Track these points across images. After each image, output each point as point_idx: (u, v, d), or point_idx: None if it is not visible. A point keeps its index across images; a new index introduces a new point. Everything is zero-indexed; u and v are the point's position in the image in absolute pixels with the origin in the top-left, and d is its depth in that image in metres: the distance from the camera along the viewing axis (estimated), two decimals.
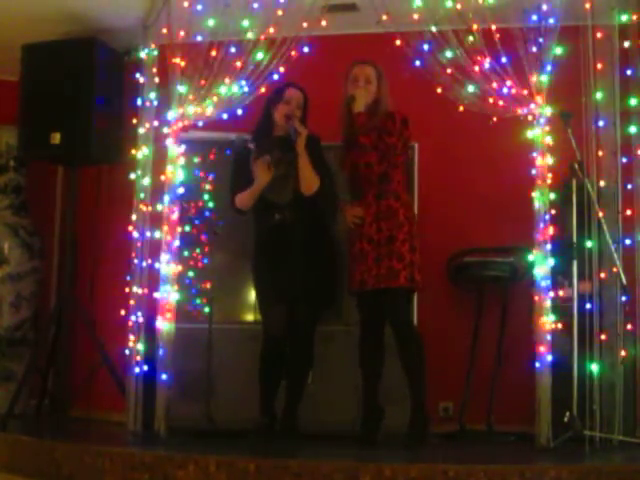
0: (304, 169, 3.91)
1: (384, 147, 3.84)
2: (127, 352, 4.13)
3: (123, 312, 4.20)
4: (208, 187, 4.43)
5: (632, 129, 3.94)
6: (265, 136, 4.05)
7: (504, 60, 3.79)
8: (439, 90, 3.88)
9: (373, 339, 3.88)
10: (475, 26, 3.82)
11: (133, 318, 4.13)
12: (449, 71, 3.86)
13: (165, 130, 4.16)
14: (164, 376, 3.98)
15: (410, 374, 3.79)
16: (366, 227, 3.84)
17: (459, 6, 3.86)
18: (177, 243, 4.11)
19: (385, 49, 3.95)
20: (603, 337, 3.72)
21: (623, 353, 3.74)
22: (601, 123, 3.90)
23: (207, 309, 4.26)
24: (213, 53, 4.07)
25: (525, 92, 3.78)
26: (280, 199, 3.96)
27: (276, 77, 4.06)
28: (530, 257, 3.75)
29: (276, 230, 3.95)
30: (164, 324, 4.02)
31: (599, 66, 3.90)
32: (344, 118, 3.96)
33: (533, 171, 3.75)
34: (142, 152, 4.24)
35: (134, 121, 4.33)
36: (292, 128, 3.90)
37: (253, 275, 4.09)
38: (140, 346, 4.09)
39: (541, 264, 3.68)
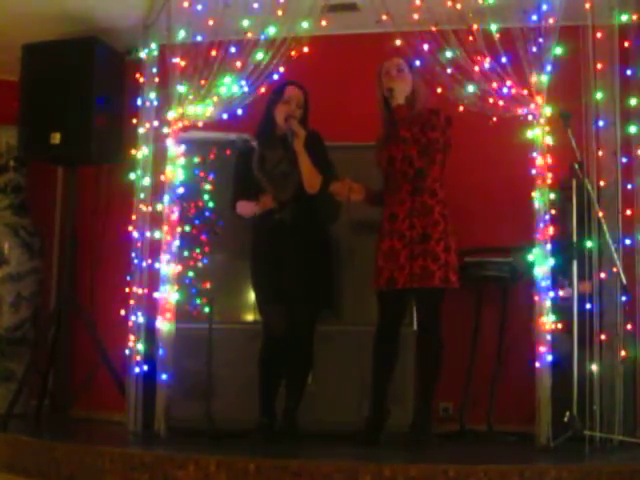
0: (305, 168, 3.91)
1: (426, 141, 3.75)
2: (127, 352, 4.13)
3: (123, 312, 4.20)
4: (208, 187, 4.43)
5: (632, 129, 3.93)
6: (267, 135, 4.04)
7: (504, 60, 3.79)
8: (439, 90, 3.88)
9: (390, 339, 3.83)
10: (475, 26, 3.82)
11: (133, 318, 4.13)
12: (449, 71, 3.86)
13: (165, 130, 4.16)
14: (164, 376, 3.98)
15: (425, 376, 3.79)
16: (398, 223, 3.77)
17: (459, 6, 3.86)
18: (177, 243, 4.11)
19: (385, 49, 3.95)
20: (603, 337, 3.72)
21: (623, 353, 3.74)
22: (601, 123, 3.89)
23: (207, 309, 4.26)
24: (213, 53, 4.07)
25: (525, 92, 3.78)
26: (281, 196, 3.96)
27: (276, 77, 4.06)
28: (530, 257, 3.75)
29: (275, 230, 3.95)
30: (164, 324, 4.02)
31: (599, 66, 3.90)
32: (382, 113, 3.91)
33: (533, 171, 3.75)
34: (142, 152, 4.24)
35: (134, 121, 4.32)
36: (289, 129, 3.90)
37: (251, 274, 4.09)
38: (140, 346, 4.09)
39: (541, 264, 3.68)
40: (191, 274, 4.35)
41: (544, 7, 3.77)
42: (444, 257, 3.71)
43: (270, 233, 3.97)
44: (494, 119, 3.89)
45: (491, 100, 3.84)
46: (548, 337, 3.63)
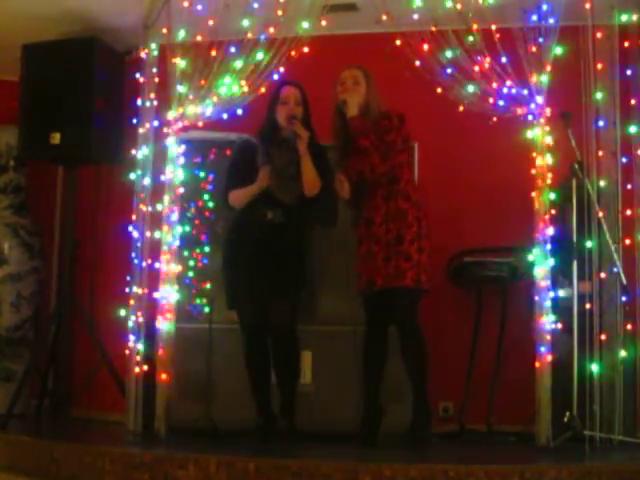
0: (307, 171, 3.90)
1: (384, 146, 3.81)
2: (127, 352, 4.13)
3: (123, 312, 4.20)
4: (208, 187, 4.43)
5: (632, 129, 3.94)
6: (271, 135, 4.02)
7: (504, 60, 3.80)
8: (439, 90, 3.88)
9: (378, 340, 3.86)
10: (475, 26, 3.83)
11: (133, 318, 4.13)
12: (449, 71, 3.86)
13: (165, 130, 4.16)
14: (164, 376, 3.98)
15: (412, 375, 3.79)
16: (375, 228, 3.81)
17: (459, 6, 3.86)
18: (177, 243, 4.12)
19: (385, 49, 3.95)
20: (603, 337, 3.72)
21: (623, 353, 3.74)
22: (601, 123, 3.90)
23: (207, 309, 4.26)
24: (213, 53, 4.08)
25: (525, 92, 3.78)
26: (285, 198, 3.93)
27: (276, 77, 4.07)
28: (530, 257, 3.75)
29: (261, 228, 3.92)
30: (164, 324, 4.02)
31: (599, 66, 3.90)
32: (336, 124, 3.94)
33: (533, 171, 3.75)
34: (142, 152, 4.23)
35: (134, 121, 4.32)
36: (292, 132, 3.89)
37: (227, 271, 4.02)
38: (140, 346, 4.09)
39: (541, 264, 3.68)
40: (191, 274, 4.35)
41: (544, 7, 3.77)
42: (417, 257, 3.74)
43: (255, 231, 3.93)
44: (494, 119, 3.89)
45: (491, 100, 3.85)
46: (548, 337, 3.63)
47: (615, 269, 3.74)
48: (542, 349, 3.62)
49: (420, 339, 3.78)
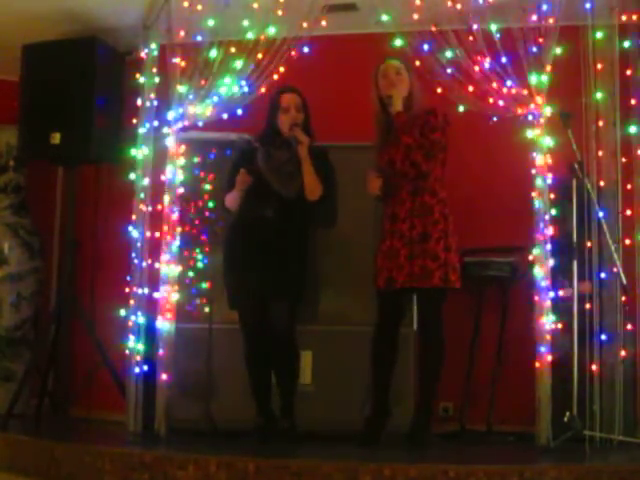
0: (308, 175, 3.89)
1: (429, 144, 3.75)
2: (127, 352, 4.13)
3: (123, 312, 4.20)
4: (208, 187, 4.43)
5: (632, 129, 3.94)
6: (272, 138, 4.02)
7: (504, 60, 3.80)
8: (439, 90, 3.88)
9: (388, 339, 3.81)
10: (475, 26, 3.83)
11: (133, 318, 4.14)
12: (449, 71, 3.86)
13: (165, 130, 4.16)
14: (164, 376, 3.98)
15: (426, 376, 3.78)
16: (399, 224, 3.76)
17: (459, 6, 3.86)
18: (177, 243, 4.12)
19: (385, 49, 3.95)
20: (603, 337, 3.73)
21: (623, 353, 3.74)
22: (601, 123, 3.90)
23: (207, 309, 4.26)
24: (213, 53, 4.08)
25: (525, 92, 3.78)
26: (284, 192, 3.92)
27: (276, 77, 4.07)
28: (530, 257, 3.75)
29: (262, 228, 3.91)
30: (164, 324, 4.03)
31: (599, 66, 3.90)
32: (379, 118, 3.90)
33: (533, 171, 3.76)
34: (142, 152, 4.24)
35: (134, 121, 4.32)
36: (293, 138, 3.89)
37: (226, 271, 4.02)
38: (140, 346, 4.09)
39: (541, 264, 3.68)
40: (191, 274, 4.35)
41: (544, 7, 3.78)
42: (444, 256, 3.69)
43: (256, 230, 3.93)
44: (494, 119, 3.89)
45: (491, 100, 3.85)
46: (548, 337, 3.63)
47: (615, 269, 3.74)
48: (542, 349, 3.62)
49: (442, 340, 3.74)
